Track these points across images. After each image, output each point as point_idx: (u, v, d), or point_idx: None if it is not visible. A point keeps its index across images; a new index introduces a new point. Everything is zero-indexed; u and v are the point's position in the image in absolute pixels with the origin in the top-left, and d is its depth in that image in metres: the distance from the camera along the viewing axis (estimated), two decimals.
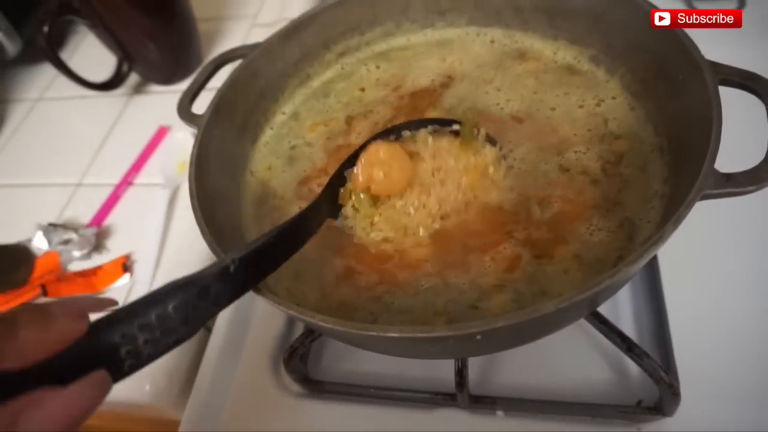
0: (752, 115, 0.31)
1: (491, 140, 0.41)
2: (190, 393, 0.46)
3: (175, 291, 0.23)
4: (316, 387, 0.44)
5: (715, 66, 0.32)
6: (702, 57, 0.32)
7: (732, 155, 0.30)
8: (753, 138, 0.30)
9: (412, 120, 0.42)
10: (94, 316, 0.22)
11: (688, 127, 0.33)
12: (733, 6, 0.59)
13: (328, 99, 0.49)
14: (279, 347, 0.48)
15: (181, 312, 0.23)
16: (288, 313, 0.29)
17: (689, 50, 0.33)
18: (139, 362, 0.22)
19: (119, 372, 0.22)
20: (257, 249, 0.27)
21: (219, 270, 0.25)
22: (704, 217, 0.45)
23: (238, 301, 0.49)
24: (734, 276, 0.43)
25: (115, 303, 0.22)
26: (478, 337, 0.26)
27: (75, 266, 0.56)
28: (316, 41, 0.49)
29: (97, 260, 0.56)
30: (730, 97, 0.32)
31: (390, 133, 0.41)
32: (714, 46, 0.34)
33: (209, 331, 0.50)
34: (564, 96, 0.43)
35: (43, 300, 0.55)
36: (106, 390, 0.21)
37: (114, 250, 0.57)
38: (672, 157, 0.35)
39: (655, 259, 0.44)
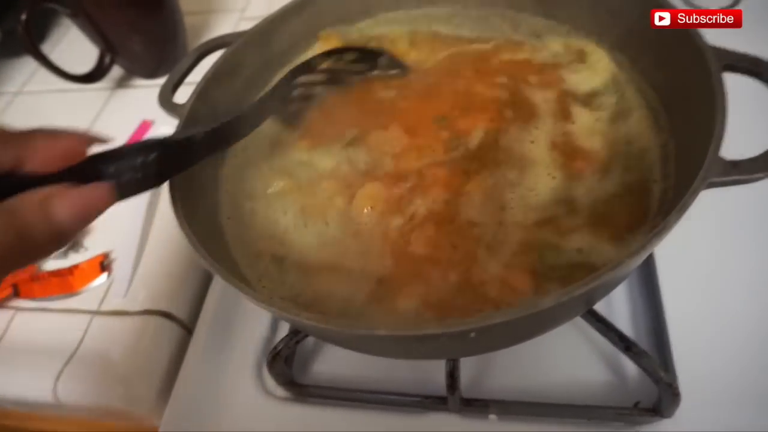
0: (755, 100, 0.30)
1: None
2: (168, 398, 0.44)
3: (156, 146, 0.27)
4: (301, 391, 0.42)
5: (719, 52, 0.31)
6: (704, 42, 0.31)
7: (735, 143, 0.29)
8: (757, 124, 0.29)
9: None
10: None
11: (691, 115, 0.32)
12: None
13: None
14: (263, 350, 0.45)
15: (157, 163, 0.27)
16: (270, 310, 0.27)
17: (691, 36, 0.32)
18: (120, 197, 0.26)
19: None
20: (216, 128, 0.33)
21: (185, 137, 0.31)
22: (702, 211, 0.44)
23: (221, 302, 0.48)
24: (733, 273, 0.42)
25: (109, 140, 0.27)
26: (473, 334, 0.25)
27: (50, 265, 0.54)
28: (305, 30, 0.48)
29: (74, 259, 0.54)
30: (732, 82, 0.30)
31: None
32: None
33: (190, 332, 0.48)
34: None
35: (15, 301, 0.52)
36: (112, 196, 0.25)
37: (92, 248, 0.55)
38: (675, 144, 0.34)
39: (651, 255, 0.43)
